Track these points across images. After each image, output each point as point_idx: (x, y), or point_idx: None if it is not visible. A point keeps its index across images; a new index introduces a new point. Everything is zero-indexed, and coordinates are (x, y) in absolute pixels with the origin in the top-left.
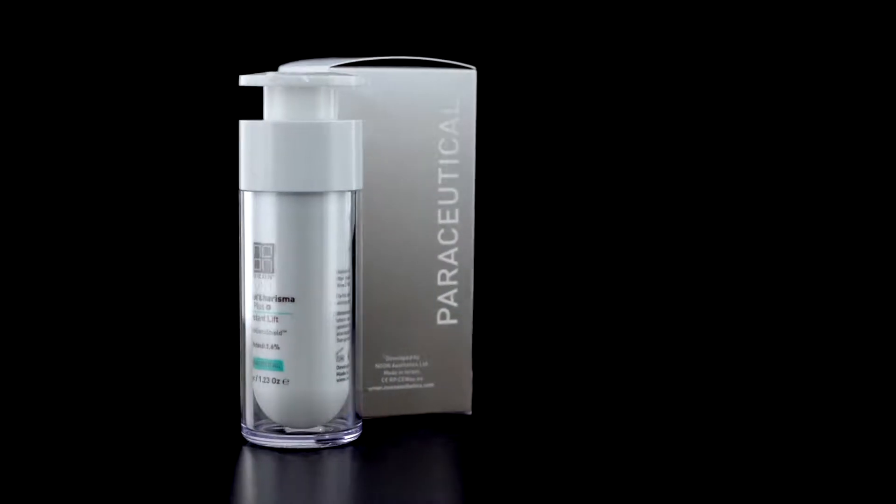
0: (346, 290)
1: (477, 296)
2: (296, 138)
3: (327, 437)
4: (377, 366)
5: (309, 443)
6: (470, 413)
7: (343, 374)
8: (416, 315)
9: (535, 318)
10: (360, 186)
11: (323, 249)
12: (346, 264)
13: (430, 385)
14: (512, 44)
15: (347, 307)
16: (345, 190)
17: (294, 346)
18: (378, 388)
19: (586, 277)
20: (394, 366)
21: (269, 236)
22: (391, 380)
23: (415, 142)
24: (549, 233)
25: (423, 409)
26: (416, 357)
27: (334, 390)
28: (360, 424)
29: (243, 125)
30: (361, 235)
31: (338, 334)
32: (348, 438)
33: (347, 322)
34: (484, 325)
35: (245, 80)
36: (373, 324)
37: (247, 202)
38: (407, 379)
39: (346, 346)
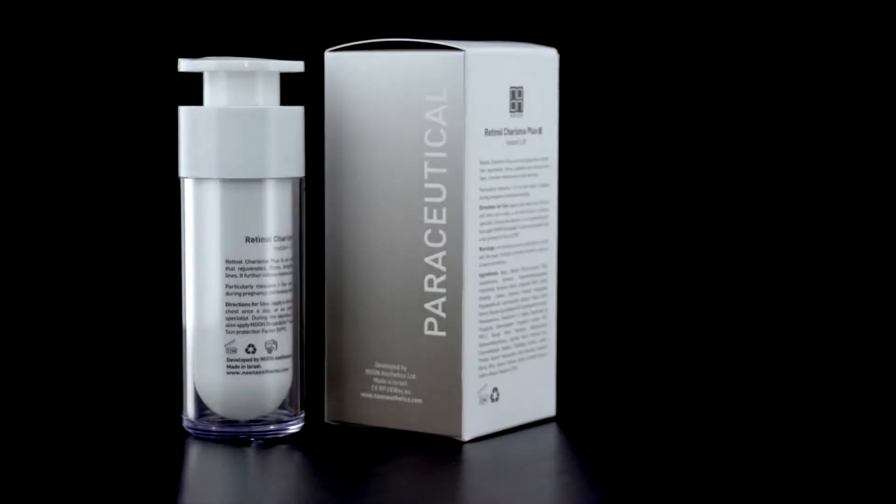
0: (247, 280)
1: (561, 296)
2: (238, 124)
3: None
4: (367, 371)
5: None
6: (464, 440)
7: (236, 366)
8: (401, 321)
9: (619, 320)
10: (302, 174)
11: (205, 238)
12: (249, 254)
13: (418, 401)
14: (597, 26)
15: (253, 298)
16: (283, 177)
17: (190, 337)
18: (369, 396)
19: (676, 276)
20: (382, 374)
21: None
22: (380, 388)
23: (397, 132)
24: (638, 231)
25: (412, 427)
26: (404, 367)
27: (222, 381)
28: (287, 421)
29: (184, 111)
30: (304, 225)
31: (227, 326)
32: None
33: (250, 314)
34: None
35: (185, 66)
36: (363, 326)
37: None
38: (395, 390)
39: (247, 338)
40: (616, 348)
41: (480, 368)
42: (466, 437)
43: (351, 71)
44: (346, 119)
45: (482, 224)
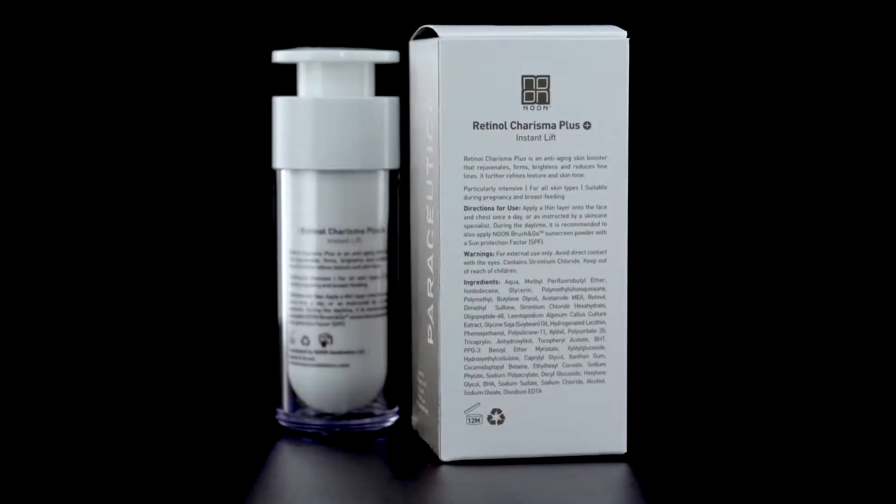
0: (301, 271)
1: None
2: (336, 114)
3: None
4: (418, 374)
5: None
6: (442, 460)
7: (301, 358)
8: (417, 327)
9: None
10: (396, 166)
11: (278, 229)
12: (305, 245)
13: (426, 412)
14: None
15: (311, 290)
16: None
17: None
18: (419, 400)
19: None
20: (420, 380)
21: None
22: (419, 393)
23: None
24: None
25: (423, 437)
26: (422, 374)
27: (293, 373)
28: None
29: (280, 102)
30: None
31: (295, 317)
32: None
33: (320, 306)
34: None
35: (280, 57)
36: (413, 329)
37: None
38: (420, 397)
39: (322, 330)
40: (690, 377)
41: (467, 385)
42: (445, 457)
43: (421, 60)
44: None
45: (468, 227)
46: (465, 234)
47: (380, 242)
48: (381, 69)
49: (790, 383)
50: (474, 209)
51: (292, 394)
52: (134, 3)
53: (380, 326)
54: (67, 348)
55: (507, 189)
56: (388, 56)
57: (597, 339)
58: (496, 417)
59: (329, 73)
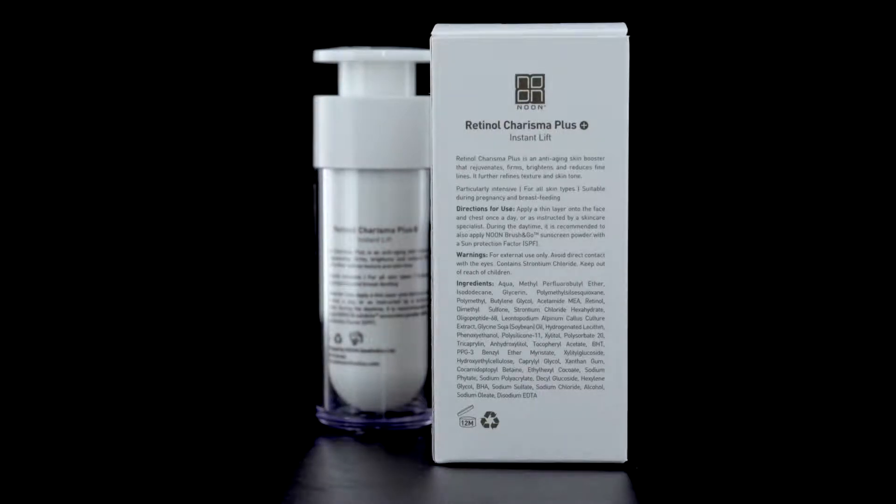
0: (346, 270)
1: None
2: (377, 114)
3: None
4: None
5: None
6: (436, 461)
7: (341, 356)
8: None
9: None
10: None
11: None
12: (344, 244)
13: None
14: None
15: (348, 288)
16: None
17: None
18: None
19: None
20: None
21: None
22: None
23: None
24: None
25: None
26: None
27: (335, 372)
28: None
29: (322, 101)
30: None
31: (332, 315)
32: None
33: (351, 304)
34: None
35: (323, 56)
36: None
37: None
38: None
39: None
40: (692, 384)
41: (460, 387)
42: (439, 458)
43: None
44: None
45: (461, 227)
46: (458, 235)
47: (419, 241)
48: (422, 68)
49: (794, 387)
50: (467, 210)
51: (333, 391)
52: (180, 2)
53: (417, 325)
54: (108, 347)
55: (500, 189)
56: (430, 55)
57: (595, 344)
58: (490, 420)
59: (371, 72)
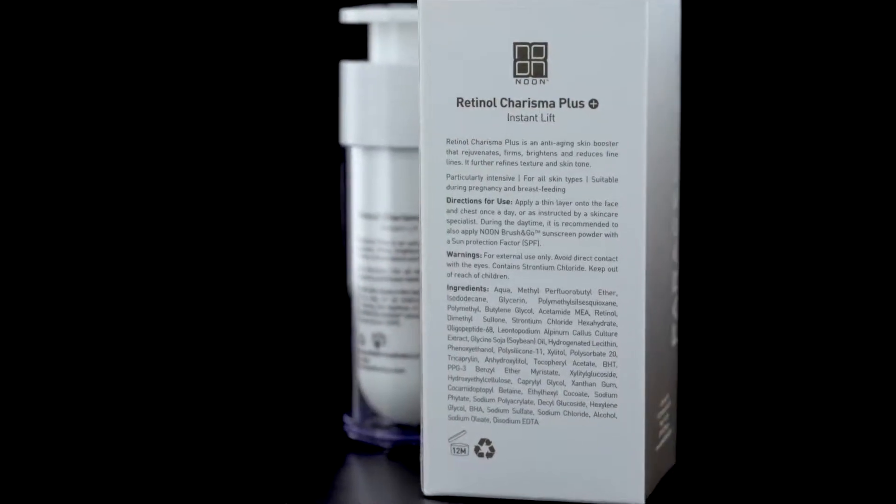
0: (373, 262)
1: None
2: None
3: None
4: None
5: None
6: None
7: (367, 361)
8: None
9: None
10: None
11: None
12: (374, 233)
13: None
14: None
15: (379, 284)
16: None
17: None
18: None
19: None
20: None
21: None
22: None
23: None
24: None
25: None
26: None
27: (362, 377)
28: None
29: (350, 68)
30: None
31: (363, 313)
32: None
33: (383, 300)
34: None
35: (351, 17)
36: None
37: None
38: None
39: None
40: (725, 409)
41: (451, 409)
42: (428, 490)
43: None
44: None
45: (451, 222)
46: (449, 231)
47: None
48: None
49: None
50: (458, 201)
51: (362, 400)
52: None
53: None
54: (125, 346)
55: (496, 179)
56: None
57: (606, 364)
58: (485, 449)
59: (406, 35)
